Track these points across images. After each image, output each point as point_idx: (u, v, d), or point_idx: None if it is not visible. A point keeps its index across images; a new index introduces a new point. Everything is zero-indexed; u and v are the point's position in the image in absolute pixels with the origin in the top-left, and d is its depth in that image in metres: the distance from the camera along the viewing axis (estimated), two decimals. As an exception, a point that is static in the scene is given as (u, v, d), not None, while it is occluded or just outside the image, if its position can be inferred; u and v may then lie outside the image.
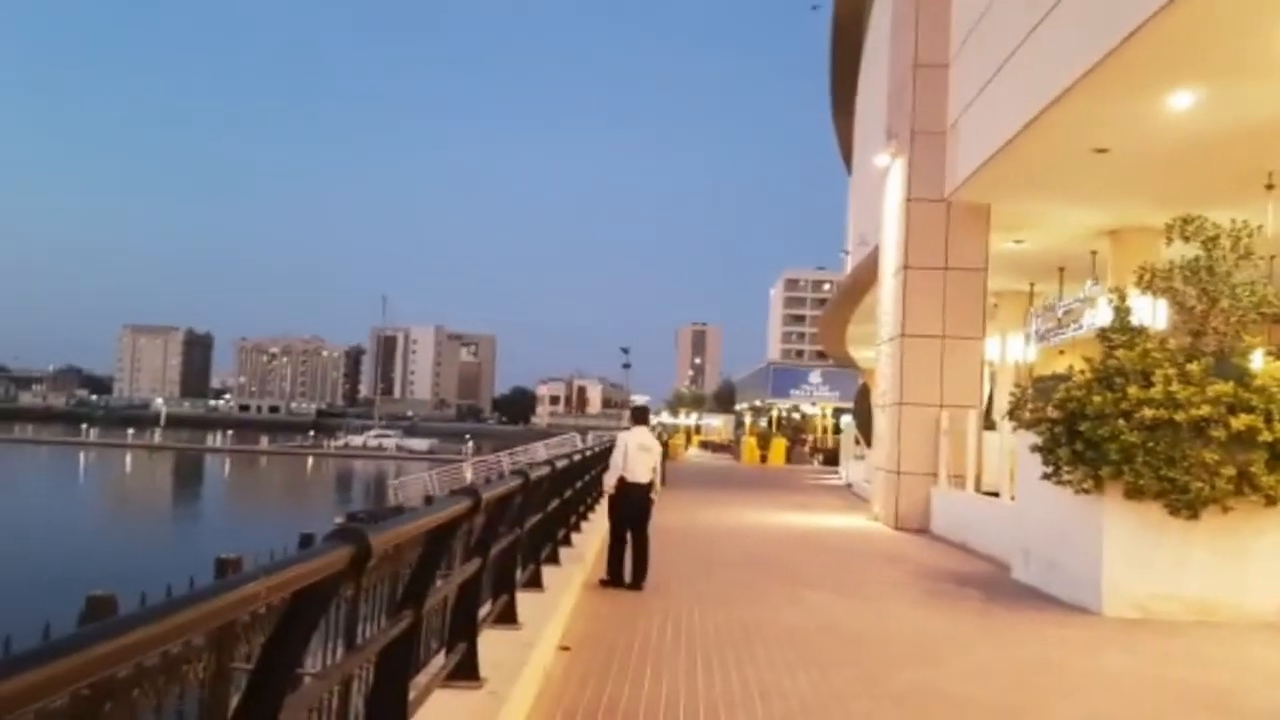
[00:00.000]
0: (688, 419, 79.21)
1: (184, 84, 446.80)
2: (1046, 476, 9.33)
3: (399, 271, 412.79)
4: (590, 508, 13.32)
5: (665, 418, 78.81)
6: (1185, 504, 8.49)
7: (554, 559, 8.91)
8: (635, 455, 9.73)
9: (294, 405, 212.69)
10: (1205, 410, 8.37)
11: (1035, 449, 9.51)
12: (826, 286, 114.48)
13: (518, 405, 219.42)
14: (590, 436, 41.35)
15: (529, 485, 6.18)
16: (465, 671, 4.66)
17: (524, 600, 6.47)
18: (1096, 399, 8.73)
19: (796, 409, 57.32)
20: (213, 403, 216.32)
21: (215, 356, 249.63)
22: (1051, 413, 9.14)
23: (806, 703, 5.69)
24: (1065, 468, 9.06)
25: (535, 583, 7.54)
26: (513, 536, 6.11)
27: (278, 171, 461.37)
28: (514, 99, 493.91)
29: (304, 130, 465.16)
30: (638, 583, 9.39)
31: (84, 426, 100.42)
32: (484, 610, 5.47)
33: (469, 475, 39.44)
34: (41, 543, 31.16)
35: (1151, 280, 9.72)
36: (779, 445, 45.55)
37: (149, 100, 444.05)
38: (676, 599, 8.96)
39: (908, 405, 16.60)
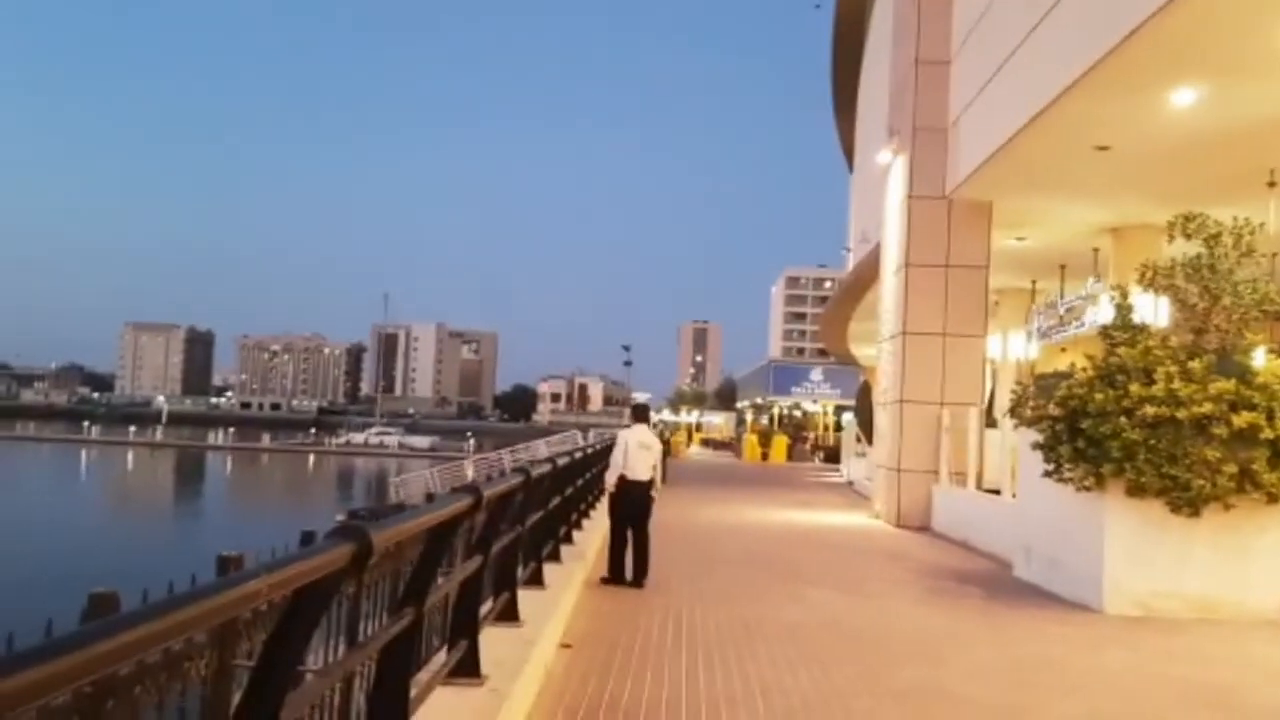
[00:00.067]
0: (689, 417, 79.21)
1: (185, 82, 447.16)
2: (1048, 474, 9.32)
3: (400, 269, 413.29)
4: (592, 505, 13.32)
5: (666, 415, 78.87)
6: (1187, 501, 8.49)
7: (555, 556, 8.92)
8: (636, 453, 9.74)
9: (295, 403, 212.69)
10: (1207, 408, 8.36)
11: (1037, 446, 9.51)
12: (828, 284, 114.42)
13: (519, 403, 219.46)
14: (591, 434, 41.38)
15: (530, 483, 6.18)
16: (467, 669, 4.67)
17: (525, 598, 6.48)
18: (1098, 396, 8.72)
19: (798, 406, 57.38)
20: (214, 400, 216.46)
21: (217, 354, 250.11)
22: (1053, 410, 9.13)
23: (808, 700, 5.69)
24: (1067, 465, 9.06)
25: (537, 580, 7.54)
26: (514, 534, 6.12)
27: (279, 169, 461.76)
28: (515, 97, 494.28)
29: (305, 128, 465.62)
30: (639, 580, 9.40)
31: (86, 424, 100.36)
32: (485, 608, 5.47)
33: (470, 473, 39.49)
34: (44, 540, 31.18)
35: (1153, 278, 9.71)
36: (780, 443, 45.57)
37: (150, 99, 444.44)
38: (678, 596, 8.97)
39: (909, 403, 16.60)
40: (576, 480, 11.23)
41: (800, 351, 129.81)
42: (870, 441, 23.56)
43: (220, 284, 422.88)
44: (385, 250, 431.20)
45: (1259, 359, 9.13)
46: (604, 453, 13.12)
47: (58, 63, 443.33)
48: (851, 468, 29.99)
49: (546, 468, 7.64)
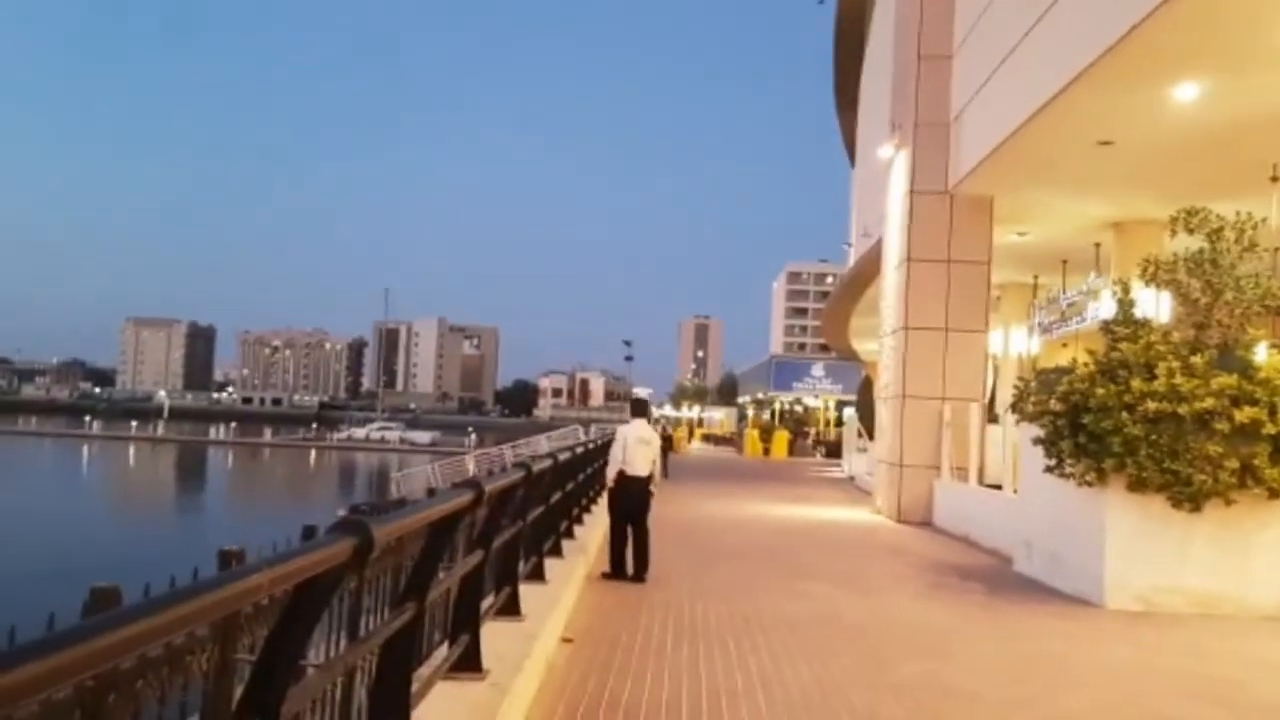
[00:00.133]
0: (690, 412, 79.21)
1: (186, 79, 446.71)
2: (1049, 469, 9.32)
3: (402, 264, 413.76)
4: (593, 500, 13.34)
5: (668, 410, 78.87)
6: (1188, 497, 8.49)
7: (557, 551, 8.92)
8: (634, 448, 9.75)
9: (297, 398, 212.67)
10: (1209, 403, 8.36)
11: (1038, 442, 9.50)
12: (829, 279, 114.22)
13: (520, 398, 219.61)
14: (593, 429, 41.41)
15: (531, 478, 6.19)
16: (468, 663, 4.67)
17: (527, 592, 6.48)
18: (1100, 391, 8.72)
19: (799, 402, 57.37)
20: (215, 395, 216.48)
21: (218, 349, 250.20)
22: (1054, 405, 9.13)
23: (808, 694, 5.69)
24: (1068, 460, 9.06)
25: (538, 575, 7.55)
26: (515, 529, 6.12)
27: (280, 165, 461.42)
28: (516, 92, 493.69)
29: (306, 123, 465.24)
30: (640, 575, 9.42)
31: (87, 419, 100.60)
32: (487, 602, 5.48)
33: (471, 468, 39.48)
34: (45, 534, 31.22)
35: (1155, 273, 9.70)
36: (781, 438, 45.58)
37: (152, 94, 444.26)
38: (679, 591, 8.97)
39: (910, 398, 16.59)
40: (578, 475, 11.24)
41: (802, 347, 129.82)
42: (871, 436, 23.57)
43: (222, 279, 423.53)
44: (387, 245, 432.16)
45: (1261, 354, 9.12)
46: (605, 448, 13.11)
47: (58, 56, 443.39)
48: (853, 463, 29.99)
49: (548, 463, 7.64)
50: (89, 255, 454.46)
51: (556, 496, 8.86)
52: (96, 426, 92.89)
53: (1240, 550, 8.74)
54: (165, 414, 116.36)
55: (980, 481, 14.64)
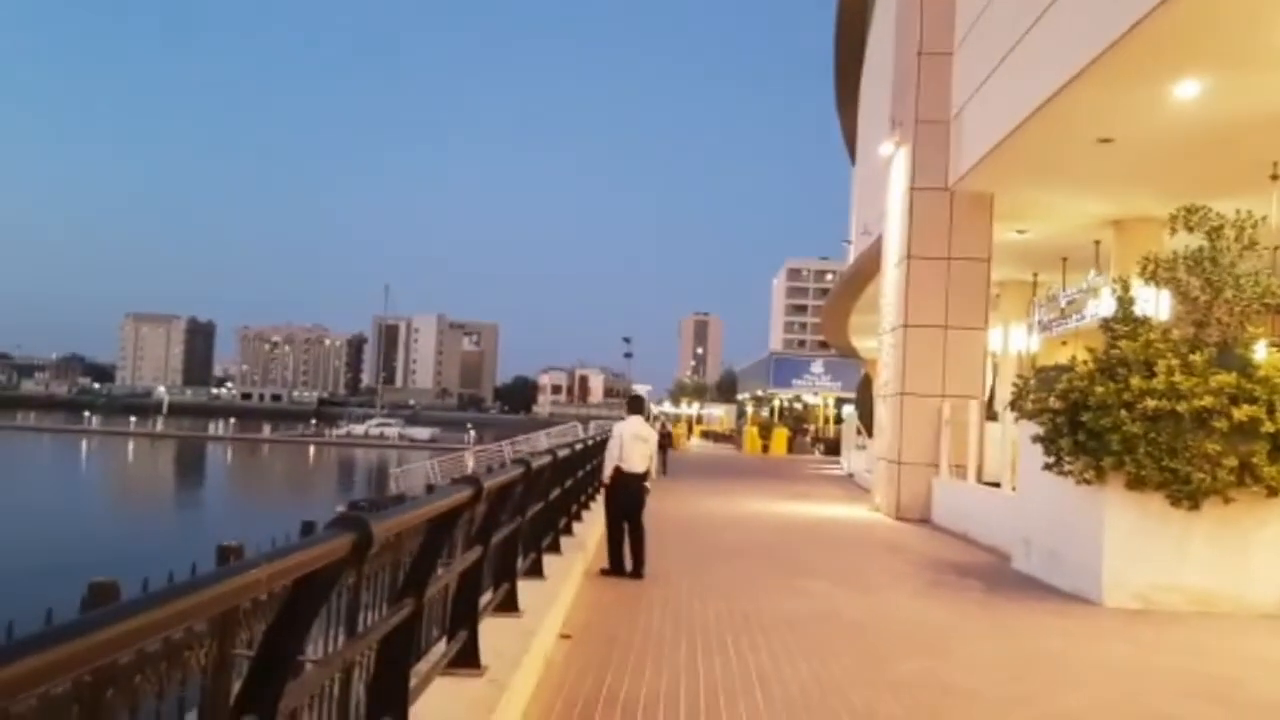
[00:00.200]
0: (690, 409, 79.19)
1: (187, 75, 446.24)
2: (1048, 467, 9.32)
3: (401, 260, 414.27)
4: (592, 497, 13.33)
5: (667, 407, 78.82)
6: (1187, 495, 8.49)
7: (555, 548, 8.92)
8: (631, 445, 9.77)
9: (296, 394, 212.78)
10: (1208, 401, 8.36)
11: (1037, 439, 9.50)
12: (829, 276, 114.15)
13: (519, 394, 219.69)
14: (592, 426, 41.38)
15: (530, 474, 6.19)
16: (466, 659, 4.67)
17: (525, 588, 6.48)
18: (1099, 389, 8.72)
19: (798, 399, 57.33)
20: (215, 391, 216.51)
21: (217, 345, 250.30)
22: (1054, 403, 9.13)
23: (807, 691, 5.69)
24: (1067, 458, 9.06)
25: (536, 571, 7.55)
26: (514, 525, 6.12)
27: (280, 161, 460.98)
28: (515, 92, 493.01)
29: (307, 119, 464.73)
30: (638, 571, 9.42)
31: (86, 414, 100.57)
32: (485, 598, 5.48)
33: (470, 464, 39.47)
34: (44, 529, 31.22)
35: (1155, 270, 9.69)
36: (781, 435, 45.60)
37: (151, 94, 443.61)
38: (677, 588, 8.98)
39: (910, 395, 16.59)
40: (576, 472, 11.24)
41: (801, 344, 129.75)
42: (871, 434, 23.57)
43: (221, 275, 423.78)
44: (386, 241, 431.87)
45: (1260, 352, 9.12)
46: (604, 445, 13.12)
47: (58, 56, 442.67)
48: (852, 460, 30.00)
49: (547, 459, 7.64)
50: (89, 252, 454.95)
51: (555, 493, 8.86)
52: (95, 422, 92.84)
53: (1239, 548, 8.74)
54: (164, 410, 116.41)
55: (979, 479, 14.65)
